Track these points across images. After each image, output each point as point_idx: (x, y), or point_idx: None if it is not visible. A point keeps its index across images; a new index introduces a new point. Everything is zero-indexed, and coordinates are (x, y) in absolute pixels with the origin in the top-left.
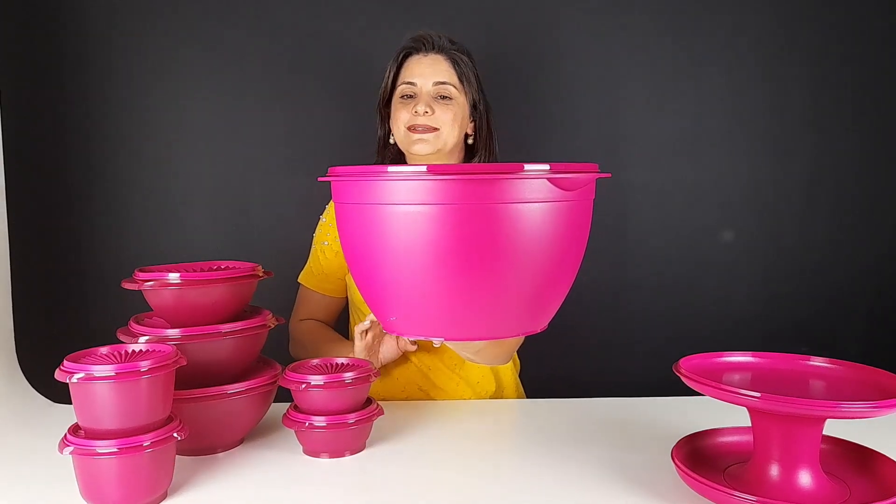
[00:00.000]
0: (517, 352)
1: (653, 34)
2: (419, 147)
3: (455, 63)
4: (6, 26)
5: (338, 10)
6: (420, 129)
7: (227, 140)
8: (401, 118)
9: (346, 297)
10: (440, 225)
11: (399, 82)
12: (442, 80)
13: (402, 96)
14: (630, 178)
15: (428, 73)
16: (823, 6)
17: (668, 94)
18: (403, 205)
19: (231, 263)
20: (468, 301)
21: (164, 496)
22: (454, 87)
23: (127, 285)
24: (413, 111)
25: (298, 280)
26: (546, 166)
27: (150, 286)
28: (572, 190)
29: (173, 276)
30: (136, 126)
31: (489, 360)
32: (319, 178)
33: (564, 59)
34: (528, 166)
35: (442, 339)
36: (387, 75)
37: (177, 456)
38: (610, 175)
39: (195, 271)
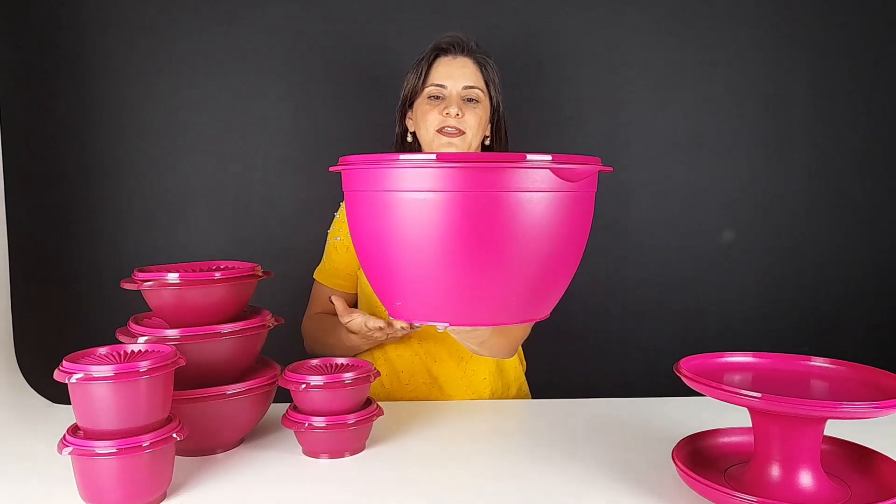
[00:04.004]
0: (523, 351)
1: (654, 34)
2: (447, 151)
3: (482, 67)
4: (5, 26)
5: (340, 9)
6: (449, 131)
7: (227, 139)
8: (430, 120)
9: (357, 294)
10: (447, 211)
11: (428, 83)
12: (471, 83)
13: (429, 97)
14: (631, 178)
15: (457, 75)
16: (824, 6)
17: (669, 94)
18: (411, 192)
19: (230, 263)
20: (472, 286)
21: (164, 497)
22: (481, 90)
23: (126, 285)
24: (444, 112)
25: (314, 276)
26: (548, 157)
27: (150, 286)
28: (575, 181)
29: (172, 277)
30: (135, 126)
31: (494, 351)
32: (331, 168)
33: (565, 59)
34: (530, 156)
35: (447, 325)
36: (416, 75)
37: (176, 456)
38: (612, 169)
39: (194, 271)
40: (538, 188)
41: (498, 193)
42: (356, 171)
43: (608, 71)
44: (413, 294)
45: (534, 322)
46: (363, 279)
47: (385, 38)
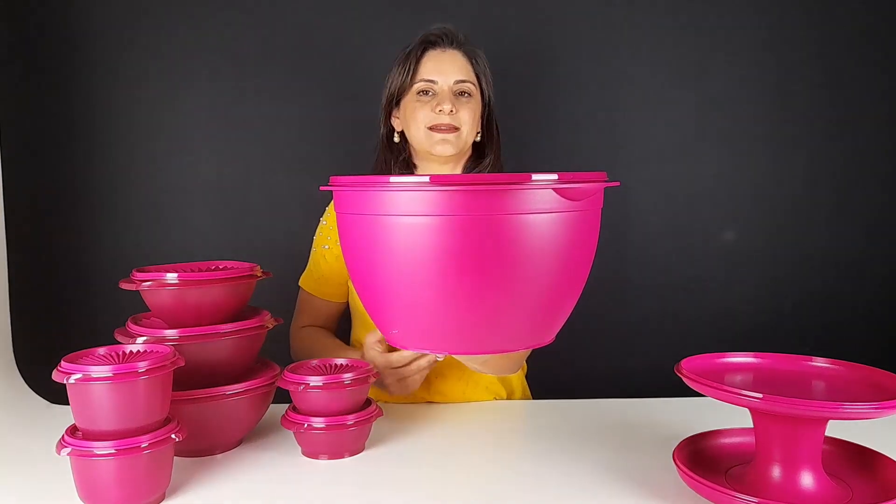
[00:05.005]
0: None
1: (654, 35)
2: (442, 148)
3: (473, 60)
4: (5, 25)
5: (339, 9)
6: (443, 128)
7: (226, 140)
8: (421, 117)
9: (347, 303)
10: (443, 236)
11: (417, 79)
12: (462, 77)
13: (419, 93)
14: (631, 179)
15: (448, 69)
16: (825, 6)
17: (669, 95)
18: (406, 216)
19: (229, 263)
20: (472, 314)
21: (163, 497)
22: (473, 84)
23: (125, 285)
24: (437, 109)
25: (299, 283)
26: (553, 176)
27: (148, 286)
28: (580, 200)
29: (171, 277)
30: (135, 126)
31: (497, 370)
32: (322, 188)
33: (565, 60)
34: (535, 176)
35: (446, 353)
36: (402, 71)
37: (175, 457)
38: (619, 183)
39: (193, 271)
40: (541, 209)
41: (497, 216)
42: (346, 193)
43: (608, 71)
44: (410, 322)
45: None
46: (355, 293)
47: (388, 38)
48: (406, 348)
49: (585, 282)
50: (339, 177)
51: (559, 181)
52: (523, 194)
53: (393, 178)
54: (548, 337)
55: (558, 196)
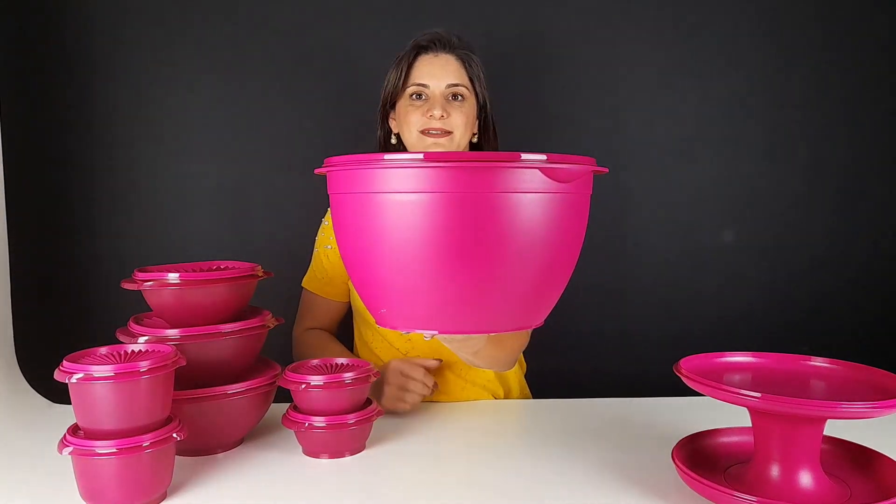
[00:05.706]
0: (523, 353)
1: (654, 35)
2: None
3: (466, 63)
4: (6, 25)
5: (339, 10)
6: (435, 133)
7: (227, 140)
8: (413, 121)
9: (349, 303)
10: (433, 213)
11: (409, 83)
12: (454, 81)
13: (412, 96)
14: (630, 179)
15: (440, 74)
16: (824, 8)
17: (669, 95)
18: (397, 193)
19: (230, 263)
20: (460, 291)
21: (164, 497)
22: (466, 87)
23: (126, 285)
24: (428, 115)
25: (302, 285)
26: (542, 156)
27: (150, 286)
28: (567, 182)
29: (173, 277)
30: (135, 126)
31: (489, 363)
32: (316, 171)
33: (565, 60)
34: (524, 155)
35: (434, 333)
36: (396, 75)
37: (176, 456)
38: (607, 170)
39: (195, 271)
40: (529, 189)
41: (486, 194)
42: (341, 172)
43: (607, 71)
44: (400, 300)
45: (526, 330)
46: (356, 291)
47: (387, 38)
48: (395, 327)
49: (574, 267)
50: (332, 157)
51: (547, 161)
52: (512, 173)
53: (387, 155)
54: (536, 320)
55: (546, 177)
